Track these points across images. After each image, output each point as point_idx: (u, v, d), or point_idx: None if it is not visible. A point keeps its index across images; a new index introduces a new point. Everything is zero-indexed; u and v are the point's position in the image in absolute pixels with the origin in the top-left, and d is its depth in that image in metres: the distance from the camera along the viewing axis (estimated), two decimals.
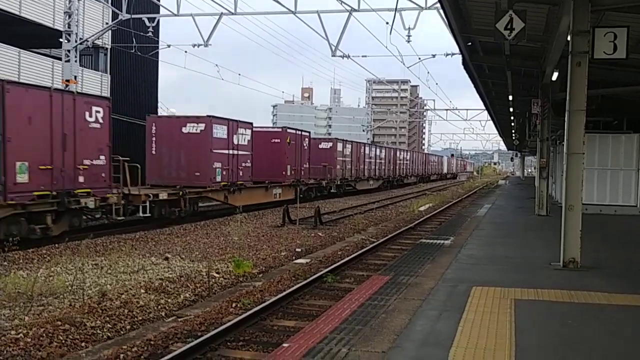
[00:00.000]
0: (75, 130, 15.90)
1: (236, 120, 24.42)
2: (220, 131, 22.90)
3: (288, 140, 29.65)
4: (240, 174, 24.51)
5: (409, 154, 66.10)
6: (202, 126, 22.37)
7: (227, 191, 23.62)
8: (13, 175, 14.00)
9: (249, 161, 25.26)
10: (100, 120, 16.89)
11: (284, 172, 28.99)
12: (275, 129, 32.54)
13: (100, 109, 16.95)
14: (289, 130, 30.34)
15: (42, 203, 14.78)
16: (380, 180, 48.83)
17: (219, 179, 22.95)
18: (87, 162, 16.27)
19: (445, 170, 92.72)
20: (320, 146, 37.22)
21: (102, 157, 16.88)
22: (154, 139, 22.70)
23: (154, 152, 22.64)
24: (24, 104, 14.42)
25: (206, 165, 22.22)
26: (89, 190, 16.16)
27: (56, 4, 28.25)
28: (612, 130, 22.37)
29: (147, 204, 18.68)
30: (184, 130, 22.38)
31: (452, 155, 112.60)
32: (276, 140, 29.32)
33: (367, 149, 45.78)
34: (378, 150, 49.80)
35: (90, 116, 16.56)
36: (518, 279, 9.33)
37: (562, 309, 7.48)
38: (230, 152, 23.65)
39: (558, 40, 13.20)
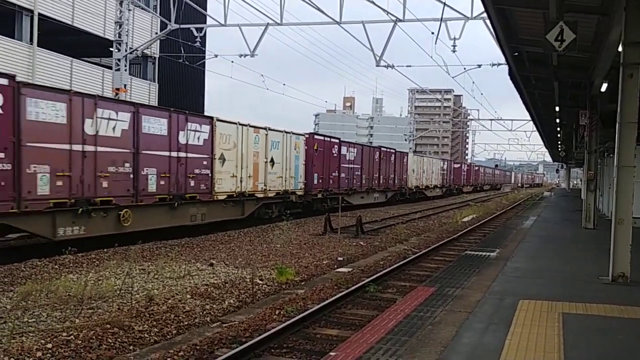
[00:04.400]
0: None
1: None
2: None
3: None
4: None
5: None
6: None
7: None
8: None
9: None
10: None
11: None
12: None
13: None
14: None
15: None
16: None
17: None
18: None
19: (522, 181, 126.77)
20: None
21: None
22: None
23: None
24: None
25: None
26: None
27: (107, 14, 29.03)
28: None
29: None
30: None
31: (497, 165, 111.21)
32: None
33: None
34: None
35: None
36: (566, 292, 9.18)
37: (611, 324, 7.34)
38: None
39: (608, 50, 12.96)
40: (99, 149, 14.79)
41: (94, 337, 7.84)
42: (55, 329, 8.11)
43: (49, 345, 7.48)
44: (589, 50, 15.41)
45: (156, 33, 31.21)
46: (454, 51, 25.11)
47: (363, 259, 15.72)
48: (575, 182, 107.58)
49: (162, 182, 17.08)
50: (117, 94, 24.05)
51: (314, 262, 14.76)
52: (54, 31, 27.24)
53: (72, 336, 7.83)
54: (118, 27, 25.65)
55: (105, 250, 14.87)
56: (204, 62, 33.92)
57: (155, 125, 16.79)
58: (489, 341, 6.45)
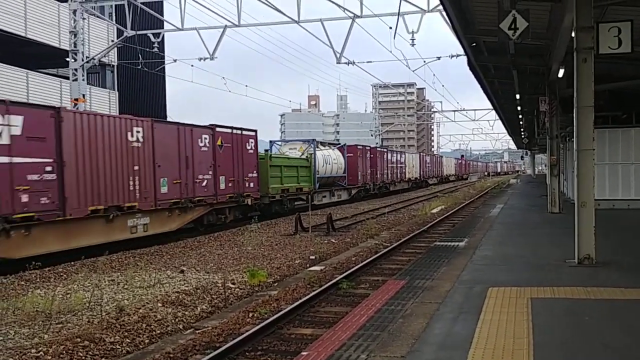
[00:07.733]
0: None
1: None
2: None
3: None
4: None
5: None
6: None
7: None
8: None
9: None
10: None
11: None
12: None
13: None
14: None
15: None
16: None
17: None
18: None
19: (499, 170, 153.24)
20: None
21: None
22: None
23: None
24: None
25: None
26: None
27: (61, 24, 28.54)
28: (621, 124, 22.28)
29: None
30: None
31: (462, 156, 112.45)
32: None
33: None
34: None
35: None
36: (534, 277, 9.31)
37: (578, 306, 7.46)
38: None
39: (562, 36, 13.20)
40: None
41: (64, 351, 7.72)
42: (23, 346, 7.96)
43: None
44: (545, 37, 15.69)
45: (112, 41, 30.80)
46: (412, 45, 25.31)
47: (335, 256, 15.74)
48: (540, 167, 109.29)
49: (392, 176, 48.35)
50: (75, 104, 23.66)
51: (286, 262, 14.74)
52: (8, 43, 26.70)
53: (41, 352, 7.70)
54: (73, 36, 25.23)
55: (72, 263, 14.66)
56: (164, 68, 33.62)
57: (394, 157, 50.51)
58: (460, 330, 6.51)
